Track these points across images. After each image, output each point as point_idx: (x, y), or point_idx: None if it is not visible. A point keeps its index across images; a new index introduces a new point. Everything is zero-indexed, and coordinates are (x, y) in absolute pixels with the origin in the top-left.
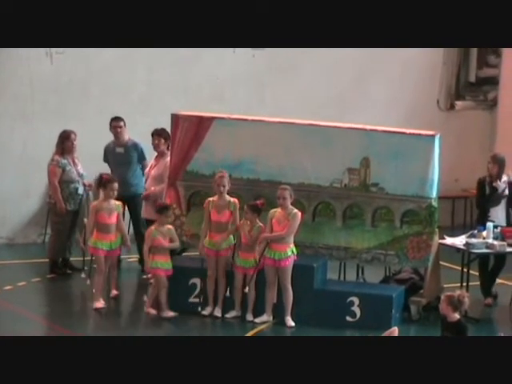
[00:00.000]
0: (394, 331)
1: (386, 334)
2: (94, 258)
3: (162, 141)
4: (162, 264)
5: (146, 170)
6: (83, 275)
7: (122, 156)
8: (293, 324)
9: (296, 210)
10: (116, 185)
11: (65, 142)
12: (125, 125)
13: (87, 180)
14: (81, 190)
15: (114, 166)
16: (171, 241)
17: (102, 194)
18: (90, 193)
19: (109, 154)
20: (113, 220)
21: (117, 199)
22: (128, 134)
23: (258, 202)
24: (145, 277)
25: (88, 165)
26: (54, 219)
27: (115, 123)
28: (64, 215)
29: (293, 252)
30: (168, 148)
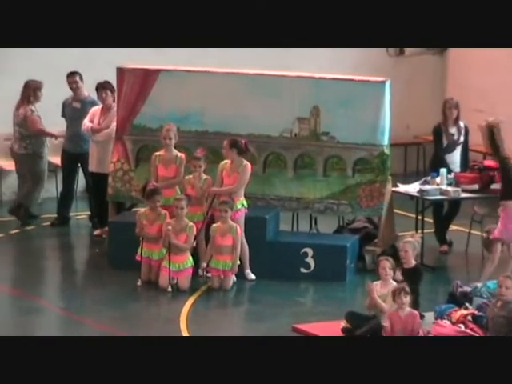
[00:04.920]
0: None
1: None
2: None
3: (109, 93)
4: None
5: (86, 121)
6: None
7: (77, 111)
8: (253, 277)
9: (246, 162)
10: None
11: (36, 92)
12: (81, 79)
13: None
14: None
15: (69, 120)
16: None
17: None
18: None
19: (65, 108)
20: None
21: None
22: (87, 91)
23: (198, 150)
24: (95, 233)
25: None
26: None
27: (70, 79)
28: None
29: (243, 205)
30: (114, 101)
